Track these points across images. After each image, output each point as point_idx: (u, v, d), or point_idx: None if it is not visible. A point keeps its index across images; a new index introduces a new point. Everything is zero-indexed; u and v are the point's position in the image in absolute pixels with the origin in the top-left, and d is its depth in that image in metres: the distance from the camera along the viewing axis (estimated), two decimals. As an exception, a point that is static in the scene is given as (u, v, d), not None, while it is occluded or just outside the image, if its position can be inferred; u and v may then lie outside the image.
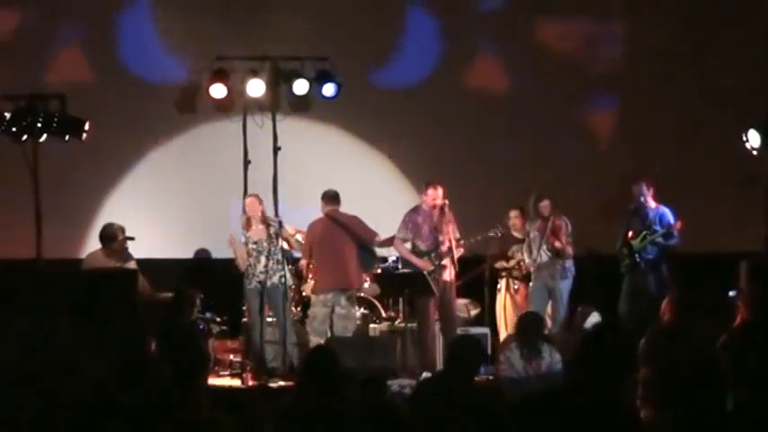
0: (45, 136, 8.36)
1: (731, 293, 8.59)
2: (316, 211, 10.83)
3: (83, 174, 12.07)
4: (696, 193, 12.01)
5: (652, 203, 10.95)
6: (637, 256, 10.86)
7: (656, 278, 10.79)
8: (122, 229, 10.41)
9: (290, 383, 9.45)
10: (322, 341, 10.23)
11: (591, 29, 12.60)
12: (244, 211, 10.55)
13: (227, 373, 10.56)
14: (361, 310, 11.30)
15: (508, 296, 11.31)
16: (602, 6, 12.68)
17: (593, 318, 10.58)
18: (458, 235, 10.47)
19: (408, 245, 10.55)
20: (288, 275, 10.53)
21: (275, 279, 10.39)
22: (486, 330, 10.79)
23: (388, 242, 10.92)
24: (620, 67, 12.69)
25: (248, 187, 10.88)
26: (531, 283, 10.96)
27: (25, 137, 8.28)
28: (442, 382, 6.94)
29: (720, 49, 12.34)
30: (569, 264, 10.82)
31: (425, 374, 9.59)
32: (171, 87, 12.27)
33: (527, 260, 10.97)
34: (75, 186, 12.01)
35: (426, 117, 12.45)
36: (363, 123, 12.51)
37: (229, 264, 10.80)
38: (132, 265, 10.31)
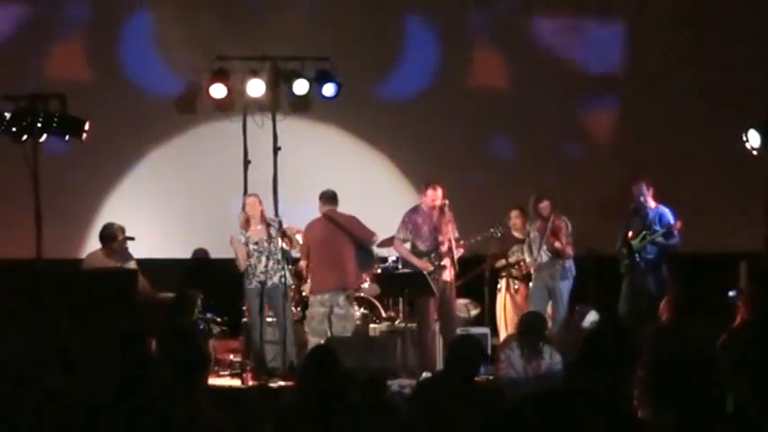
0: (45, 136, 8.36)
1: (731, 293, 8.59)
2: (315, 211, 10.83)
3: (83, 174, 12.07)
4: (696, 193, 12.01)
5: (652, 203, 10.96)
6: (636, 256, 10.86)
7: (655, 278, 10.79)
8: (122, 229, 10.42)
9: (290, 383, 9.45)
10: (321, 341, 10.22)
11: (591, 29, 12.60)
12: (243, 210, 10.53)
13: (227, 373, 10.56)
14: (361, 310, 11.31)
15: (508, 296, 11.31)
16: (602, 7, 12.67)
17: (591, 316, 10.60)
18: (457, 235, 10.47)
19: (408, 245, 10.55)
20: (288, 275, 10.53)
21: (275, 279, 10.38)
22: (486, 330, 10.79)
23: (388, 242, 10.93)
24: (620, 68, 12.69)
25: (248, 187, 10.89)
26: (531, 284, 10.97)
27: (25, 137, 8.28)
28: (442, 382, 6.94)
29: (720, 49, 12.34)
30: (569, 264, 10.82)
31: (425, 374, 9.59)
32: (171, 87, 12.27)
33: (528, 260, 10.97)
34: (75, 186, 12.02)
35: (426, 117, 12.45)
36: (363, 123, 12.51)
37: (229, 264, 10.80)
38: (132, 265, 10.31)
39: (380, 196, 12.12)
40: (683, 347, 6.56)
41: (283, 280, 10.39)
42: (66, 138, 8.58)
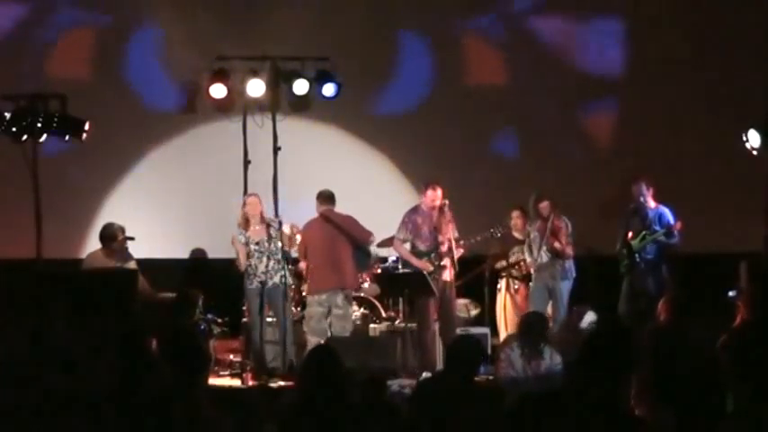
0: (45, 136, 8.36)
1: (731, 293, 8.59)
2: (315, 211, 10.82)
3: (83, 174, 12.07)
4: (696, 193, 12.01)
5: (652, 203, 10.96)
6: (636, 256, 10.86)
7: (655, 278, 10.79)
8: (122, 229, 10.42)
9: (290, 383, 9.45)
10: (320, 340, 10.22)
11: (591, 30, 12.59)
12: (243, 210, 10.50)
13: (227, 373, 10.56)
14: (361, 310, 11.31)
15: (508, 296, 11.31)
16: (602, 7, 12.67)
17: (589, 317, 10.59)
18: (457, 235, 10.47)
19: (408, 245, 10.54)
20: (288, 275, 10.53)
21: (276, 279, 10.39)
22: (486, 330, 10.80)
23: (388, 242, 10.93)
24: (620, 68, 12.69)
25: (248, 187, 10.88)
26: (531, 284, 10.97)
27: (25, 137, 8.28)
28: (442, 382, 6.93)
29: (720, 49, 12.34)
30: (569, 264, 10.82)
31: (425, 374, 9.58)
32: (171, 87, 12.27)
33: (528, 260, 10.97)
34: (75, 186, 12.02)
35: (426, 117, 12.46)
36: (363, 123, 12.51)
37: (229, 264, 10.80)
38: (132, 265, 10.31)
39: (380, 196, 12.12)
40: (681, 348, 6.55)
41: (284, 280, 10.39)
42: (66, 138, 8.58)
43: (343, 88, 11.39)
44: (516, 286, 11.28)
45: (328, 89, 11.38)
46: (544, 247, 10.77)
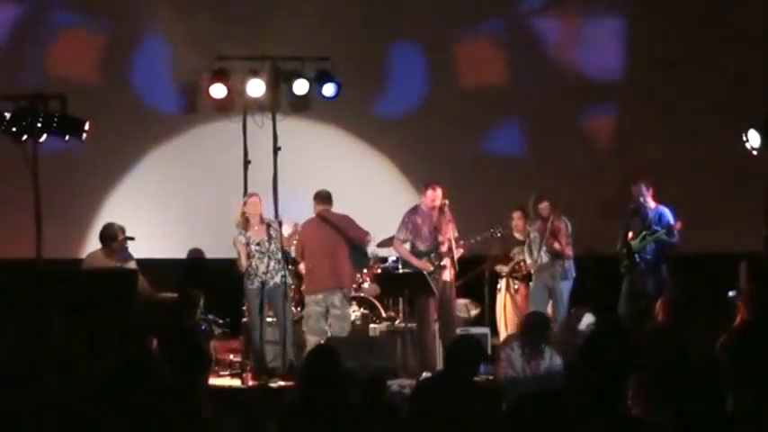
0: (45, 136, 8.36)
1: (731, 293, 8.59)
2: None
3: (83, 174, 12.07)
4: (696, 193, 12.00)
5: (651, 203, 10.96)
6: (636, 256, 10.86)
7: (655, 279, 10.79)
8: (122, 229, 10.42)
9: (290, 383, 9.45)
10: (318, 339, 10.26)
11: (591, 30, 12.58)
12: (243, 209, 10.49)
13: (227, 373, 10.56)
14: (361, 310, 11.31)
15: (508, 296, 11.31)
16: (602, 8, 12.66)
17: (587, 318, 10.58)
18: (457, 235, 10.47)
19: (408, 245, 10.55)
20: (287, 275, 10.54)
21: (277, 279, 10.39)
22: (486, 330, 10.79)
23: (388, 242, 10.93)
24: (620, 68, 12.68)
25: (248, 187, 10.88)
26: (531, 284, 10.96)
27: (25, 137, 8.28)
28: (442, 382, 6.93)
29: (720, 48, 12.34)
30: (569, 264, 10.82)
31: (425, 374, 9.58)
32: (171, 87, 12.28)
33: (528, 261, 10.97)
34: (75, 186, 12.02)
35: (426, 117, 12.46)
36: (363, 123, 12.51)
37: (229, 264, 10.80)
38: (132, 265, 10.32)
39: (380, 196, 12.12)
40: (679, 348, 6.55)
41: (284, 280, 10.40)
42: (66, 138, 8.58)
43: (343, 88, 11.38)
44: (516, 286, 11.28)
45: (328, 89, 11.37)
46: (544, 248, 10.77)
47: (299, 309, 11.05)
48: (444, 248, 10.35)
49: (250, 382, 9.99)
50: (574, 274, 10.83)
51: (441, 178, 10.60)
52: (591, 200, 12.06)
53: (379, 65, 12.47)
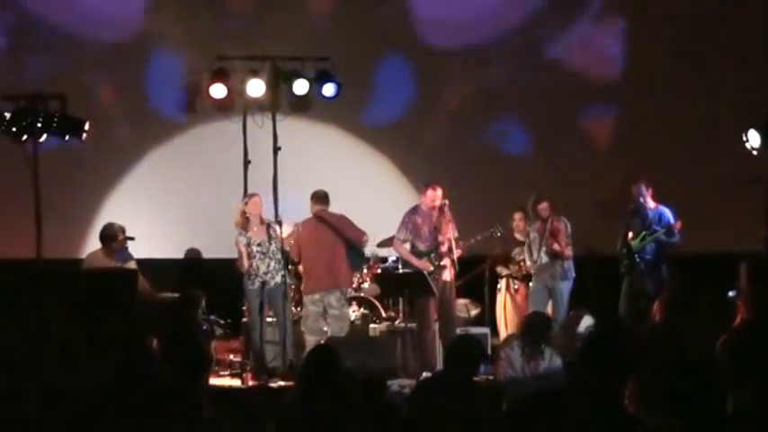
0: (45, 136, 8.37)
1: (731, 293, 8.59)
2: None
3: (83, 174, 12.07)
4: (696, 193, 12.00)
5: (651, 203, 10.96)
6: (636, 256, 10.86)
7: (655, 279, 10.79)
8: (122, 229, 10.42)
9: (290, 383, 9.45)
10: (317, 339, 10.28)
11: (591, 30, 12.58)
12: (244, 209, 10.49)
13: (227, 373, 10.56)
14: (361, 310, 11.31)
15: (508, 296, 11.31)
16: (602, 8, 12.66)
17: (586, 321, 10.57)
18: (457, 235, 10.47)
19: (408, 245, 10.55)
20: (287, 275, 10.54)
21: (278, 279, 10.40)
22: (486, 330, 10.79)
23: (388, 242, 10.94)
24: (620, 68, 12.68)
25: (248, 187, 10.88)
26: (531, 284, 10.96)
27: (25, 137, 8.29)
28: (442, 381, 6.94)
29: (720, 48, 12.34)
30: (569, 265, 10.82)
31: (425, 374, 9.58)
32: (171, 87, 12.28)
33: (528, 262, 10.97)
34: (75, 186, 12.02)
35: (426, 117, 12.46)
36: (363, 123, 12.51)
37: (229, 264, 10.80)
38: (132, 265, 10.32)
39: (380, 196, 12.12)
40: (676, 348, 6.54)
41: (285, 280, 10.40)
42: (66, 138, 8.59)
43: (343, 88, 11.38)
44: (516, 286, 11.28)
45: (328, 89, 11.36)
46: (543, 248, 10.77)
47: (298, 309, 11.06)
48: (444, 248, 10.35)
49: (250, 382, 9.99)
50: (573, 275, 10.83)
51: (441, 178, 10.59)
52: (591, 200, 12.06)
53: (379, 65, 12.46)
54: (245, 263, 10.40)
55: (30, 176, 8.19)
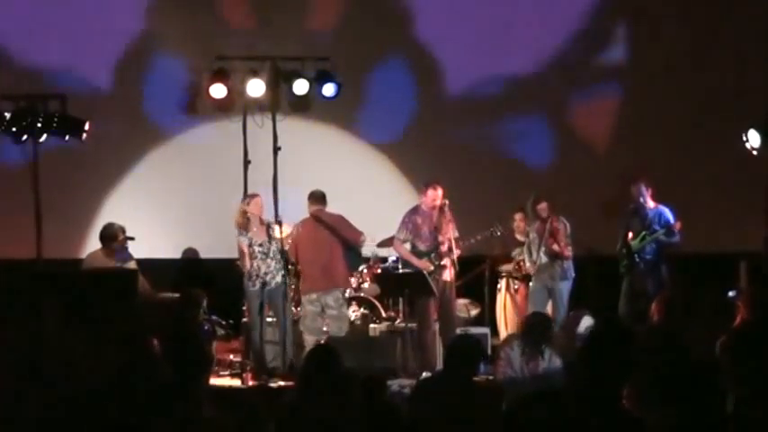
0: (45, 136, 8.37)
1: (731, 293, 8.59)
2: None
3: (83, 174, 12.07)
4: (696, 192, 12.00)
5: (651, 203, 10.95)
6: (636, 256, 10.86)
7: (654, 279, 10.79)
8: (122, 229, 10.42)
9: (290, 383, 9.45)
10: (316, 338, 10.29)
11: (591, 30, 12.58)
12: (245, 210, 10.48)
13: (227, 373, 10.55)
14: (361, 310, 11.31)
15: (508, 296, 11.31)
16: (602, 7, 12.66)
17: (586, 321, 10.57)
18: (457, 235, 10.47)
19: (408, 245, 10.55)
20: (288, 275, 10.54)
21: (278, 279, 10.40)
22: (486, 330, 10.79)
23: (388, 242, 10.94)
24: (619, 68, 12.68)
25: (248, 187, 10.87)
26: (531, 284, 10.96)
27: (25, 137, 8.29)
28: (442, 381, 6.94)
29: (720, 49, 12.34)
30: (568, 265, 10.81)
31: (425, 374, 9.58)
32: (171, 87, 12.28)
33: (527, 263, 10.97)
34: (75, 186, 12.02)
35: (426, 117, 12.46)
36: (363, 123, 12.51)
37: (229, 264, 10.80)
38: (132, 265, 10.31)
39: (380, 196, 12.12)
40: (674, 348, 6.54)
41: (285, 280, 10.40)
42: (66, 138, 8.59)
43: (343, 88, 11.38)
44: (516, 286, 11.27)
45: (328, 89, 11.36)
46: (543, 249, 10.77)
47: (298, 309, 11.06)
48: (444, 248, 10.35)
49: (250, 382, 9.99)
50: (573, 275, 10.83)
51: (441, 178, 10.60)
52: (591, 200, 12.05)
53: (379, 65, 12.46)
54: (248, 263, 10.40)
55: (30, 176, 8.19)
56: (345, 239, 10.68)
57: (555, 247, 10.71)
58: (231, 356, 10.77)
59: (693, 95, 12.34)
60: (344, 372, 6.13)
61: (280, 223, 10.45)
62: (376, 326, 11.17)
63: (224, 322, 10.62)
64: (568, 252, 10.78)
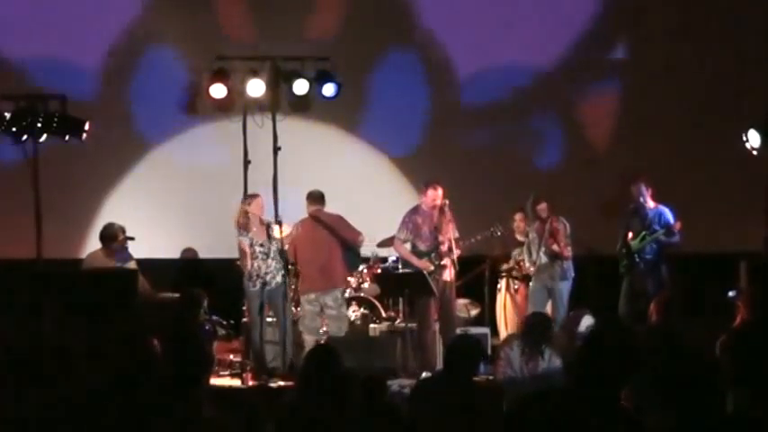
0: (45, 136, 8.37)
1: (731, 293, 8.59)
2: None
3: (83, 174, 12.08)
4: (696, 192, 12.00)
5: (651, 203, 10.96)
6: (636, 256, 10.87)
7: (654, 279, 10.79)
8: (122, 229, 10.43)
9: (290, 383, 9.46)
10: (315, 338, 10.30)
11: (590, 30, 12.58)
12: (246, 210, 10.48)
13: (227, 373, 10.56)
14: (361, 310, 11.31)
15: (508, 296, 11.31)
16: (601, 6, 12.66)
17: (586, 321, 10.57)
18: (457, 235, 10.47)
19: (408, 245, 10.55)
20: (288, 275, 10.55)
21: (278, 279, 10.40)
22: (486, 330, 10.79)
23: (388, 242, 10.94)
24: (619, 68, 12.68)
25: (248, 187, 10.87)
26: (531, 284, 10.96)
27: (25, 137, 8.29)
28: (442, 381, 6.94)
29: (721, 49, 12.34)
30: (568, 265, 10.82)
31: (425, 374, 9.59)
32: (171, 87, 12.28)
33: (527, 263, 10.97)
34: (75, 186, 12.02)
35: (426, 117, 12.46)
36: (363, 123, 12.51)
37: (229, 264, 10.80)
38: (132, 265, 10.32)
39: (380, 196, 12.12)
40: (673, 348, 6.54)
41: (285, 280, 10.41)
42: (66, 138, 8.59)
43: (343, 88, 11.38)
44: (516, 286, 11.28)
45: (328, 89, 11.35)
46: (542, 249, 10.77)
47: (298, 309, 11.06)
48: (444, 248, 10.36)
49: (250, 382, 9.99)
50: (573, 275, 10.83)
51: (441, 178, 10.60)
52: (591, 200, 12.06)
53: (379, 64, 12.47)
54: (249, 263, 10.40)
55: (30, 176, 8.19)
56: (344, 239, 10.69)
57: (555, 247, 10.71)
58: (231, 356, 10.77)
59: (693, 95, 12.34)
60: (344, 372, 6.13)
61: (280, 223, 10.45)
62: (376, 326, 11.17)
63: (225, 322, 10.63)
64: (568, 252, 10.78)
